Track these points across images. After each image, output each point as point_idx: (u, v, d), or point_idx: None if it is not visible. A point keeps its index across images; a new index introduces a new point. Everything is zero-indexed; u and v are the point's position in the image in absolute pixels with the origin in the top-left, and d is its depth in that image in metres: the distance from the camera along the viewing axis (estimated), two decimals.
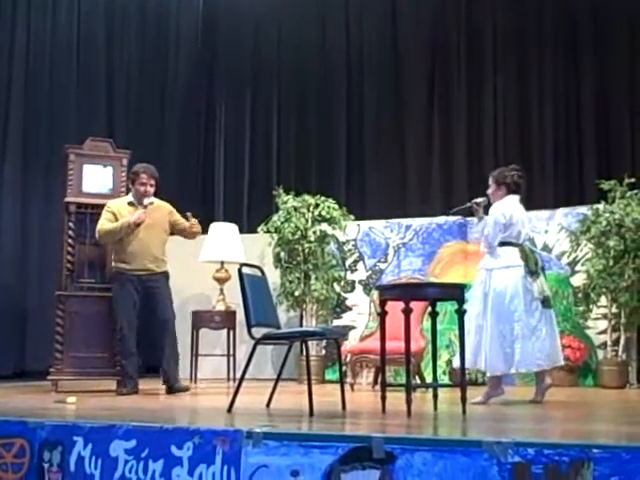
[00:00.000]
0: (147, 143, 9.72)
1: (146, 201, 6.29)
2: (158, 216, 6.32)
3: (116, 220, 6.21)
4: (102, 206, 6.63)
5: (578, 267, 7.73)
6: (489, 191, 5.63)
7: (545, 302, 5.39)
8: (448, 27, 9.67)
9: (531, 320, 5.28)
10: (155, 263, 6.25)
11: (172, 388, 6.05)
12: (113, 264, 6.33)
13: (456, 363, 5.29)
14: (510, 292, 5.26)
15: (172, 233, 6.49)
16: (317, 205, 8.42)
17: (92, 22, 9.54)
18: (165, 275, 6.33)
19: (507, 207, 5.45)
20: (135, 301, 6.19)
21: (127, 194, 6.51)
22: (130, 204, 6.30)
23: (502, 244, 5.43)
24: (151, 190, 6.31)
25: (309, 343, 4.77)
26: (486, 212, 5.60)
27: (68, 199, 6.59)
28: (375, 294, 7.32)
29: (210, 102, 10.58)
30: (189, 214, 6.33)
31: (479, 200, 5.65)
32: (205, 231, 8.15)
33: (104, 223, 6.22)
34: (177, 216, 6.46)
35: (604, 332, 7.44)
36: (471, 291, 5.46)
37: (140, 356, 8.87)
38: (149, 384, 7.51)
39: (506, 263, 5.38)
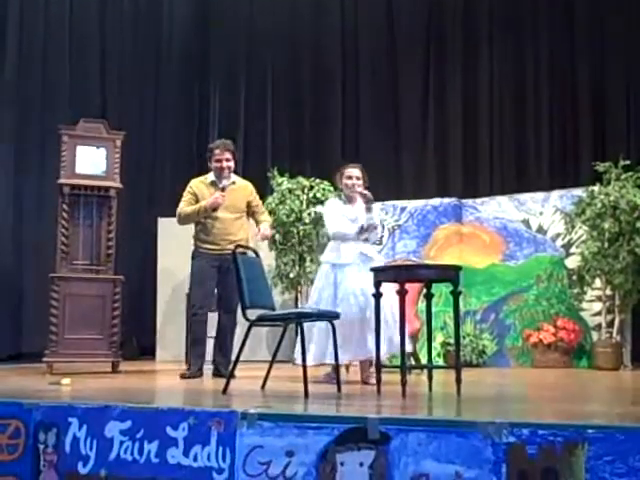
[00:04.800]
0: (141, 125, 9.69)
1: (225, 182, 6.03)
2: (238, 196, 6.11)
3: (197, 202, 6.04)
4: (95, 187, 6.62)
5: (573, 249, 7.75)
6: (364, 184, 5.63)
7: None
8: (444, 5, 9.62)
9: None
10: (234, 244, 5.70)
11: (218, 372, 5.94)
12: (194, 242, 6.13)
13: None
14: None
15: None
16: (312, 187, 8.40)
17: (86, 2, 9.46)
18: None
19: None
20: (213, 282, 6.02)
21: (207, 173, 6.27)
22: (212, 184, 6.10)
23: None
24: (228, 164, 6.06)
25: (304, 325, 4.76)
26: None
27: (61, 180, 6.56)
28: None
29: (204, 84, 10.51)
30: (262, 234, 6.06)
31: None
32: None
33: (184, 206, 6.06)
34: (254, 199, 6.25)
35: (598, 314, 7.46)
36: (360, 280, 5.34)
37: (136, 337, 8.99)
38: (144, 365, 7.53)
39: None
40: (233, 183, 6.15)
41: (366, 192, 5.51)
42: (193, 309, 6.07)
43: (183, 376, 5.91)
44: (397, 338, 5.26)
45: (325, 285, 5.52)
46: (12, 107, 8.73)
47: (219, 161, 6.06)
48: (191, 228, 6.57)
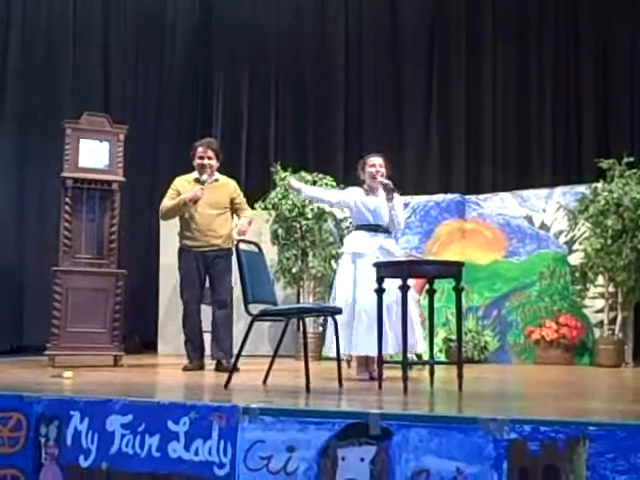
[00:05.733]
0: (144, 118, 9.68)
1: (205, 177, 6.12)
2: (221, 193, 6.21)
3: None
4: (99, 181, 6.63)
5: (576, 246, 7.74)
6: (387, 173, 5.63)
7: None
8: (448, 3, 9.60)
9: None
10: (217, 240, 6.12)
11: (220, 366, 6.01)
12: (179, 240, 6.27)
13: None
14: None
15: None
16: (315, 182, 8.39)
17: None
18: (227, 252, 6.15)
19: None
20: (200, 277, 6.16)
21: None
22: (196, 180, 6.20)
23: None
24: (209, 163, 6.16)
25: (306, 320, 4.76)
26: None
27: (64, 174, 6.56)
28: None
29: (207, 79, 10.49)
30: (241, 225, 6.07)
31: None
32: None
33: (166, 201, 6.18)
34: (237, 196, 6.33)
35: (601, 311, 7.45)
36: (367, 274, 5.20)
37: (138, 331, 8.99)
38: (146, 359, 7.54)
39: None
40: (216, 180, 6.26)
41: (387, 181, 5.50)
42: (183, 305, 6.22)
43: (185, 368, 6.05)
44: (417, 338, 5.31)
45: (346, 275, 5.48)
46: (15, 102, 8.72)
47: (201, 158, 6.18)
48: None
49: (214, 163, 6.22)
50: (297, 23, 10.20)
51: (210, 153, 6.19)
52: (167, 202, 6.19)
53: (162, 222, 8.79)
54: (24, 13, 8.89)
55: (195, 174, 6.26)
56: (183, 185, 6.23)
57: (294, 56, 10.20)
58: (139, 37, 9.95)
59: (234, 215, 6.34)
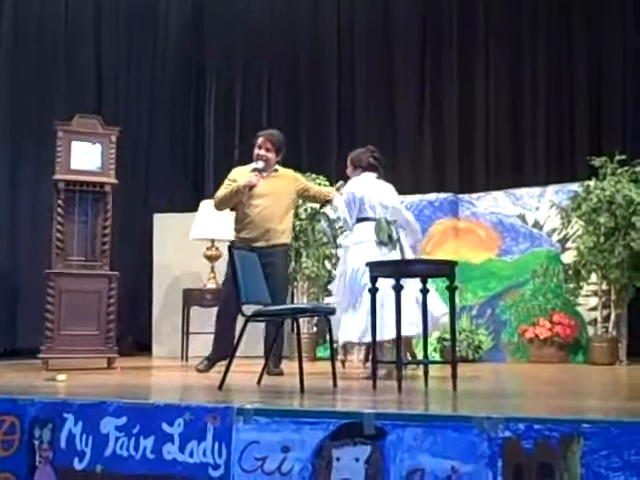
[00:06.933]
0: (136, 117, 9.67)
1: (261, 164, 5.89)
2: (282, 184, 6.01)
3: None
4: (91, 183, 6.61)
5: (569, 244, 7.75)
6: (347, 171, 6.01)
7: None
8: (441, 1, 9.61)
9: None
10: (275, 233, 5.85)
11: (269, 371, 5.50)
12: (233, 233, 6.07)
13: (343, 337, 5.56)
14: (363, 267, 5.02)
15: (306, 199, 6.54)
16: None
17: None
18: (284, 248, 5.97)
19: (354, 185, 5.78)
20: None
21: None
22: (253, 170, 5.94)
23: (359, 220, 5.68)
24: (266, 154, 5.95)
25: (300, 320, 4.76)
26: None
27: (57, 177, 6.52)
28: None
29: (200, 78, 10.48)
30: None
31: (338, 185, 6.15)
32: (195, 208, 8.13)
33: (220, 190, 5.98)
34: (304, 182, 6.25)
35: (594, 309, 7.46)
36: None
37: (132, 333, 8.97)
38: (140, 361, 7.52)
39: (359, 239, 5.60)
40: (275, 171, 6.08)
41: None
42: (220, 306, 5.98)
43: (196, 368, 5.90)
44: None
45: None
46: (6, 104, 8.69)
47: (259, 147, 5.98)
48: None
49: (271, 156, 5.98)
50: (291, 23, 10.17)
51: (269, 145, 5.97)
52: (221, 191, 5.97)
53: (155, 223, 8.84)
54: (16, 14, 8.85)
55: (254, 165, 6.02)
56: (240, 174, 6.00)
57: (288, 52, 10.16)
58: (131, 32, 9.87)
59: (320, 201, 6.29)
